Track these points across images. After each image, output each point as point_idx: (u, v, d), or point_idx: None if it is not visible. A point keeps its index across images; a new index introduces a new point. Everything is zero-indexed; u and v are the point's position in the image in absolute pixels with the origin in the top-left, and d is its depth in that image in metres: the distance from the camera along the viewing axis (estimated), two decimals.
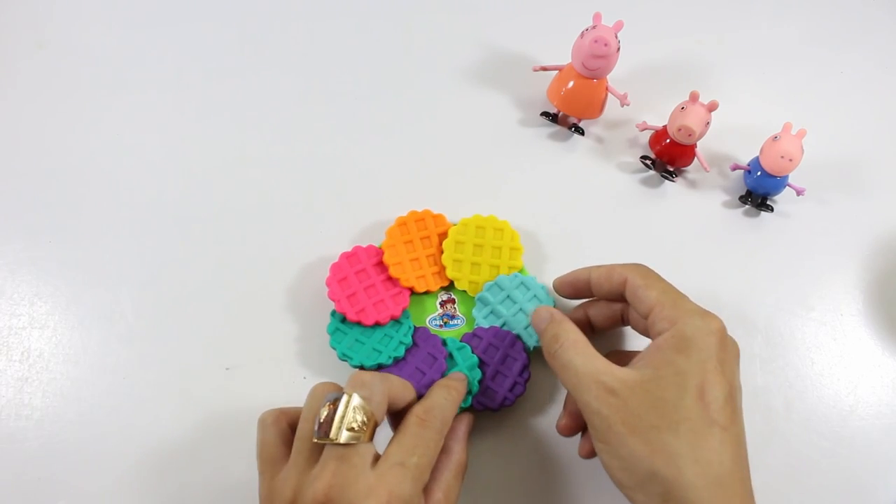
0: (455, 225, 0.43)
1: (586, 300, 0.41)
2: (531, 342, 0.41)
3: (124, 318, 0.42)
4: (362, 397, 0.31)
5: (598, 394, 0.32)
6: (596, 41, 0.42)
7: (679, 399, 0.31)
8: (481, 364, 0.40)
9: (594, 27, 0.43)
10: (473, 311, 0.42)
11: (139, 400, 0.41)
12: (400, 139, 0.48)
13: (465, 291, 0.43)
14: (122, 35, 0.51)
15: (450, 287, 0.43)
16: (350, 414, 0.30)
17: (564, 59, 0.46)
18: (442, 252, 0.43)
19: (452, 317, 0.42)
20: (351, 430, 0.30)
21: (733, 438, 0.31)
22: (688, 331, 0.32)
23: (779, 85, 0.52)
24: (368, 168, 0.47)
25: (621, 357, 0.36)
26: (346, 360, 0.40)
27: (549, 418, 0.41)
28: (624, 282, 0.36)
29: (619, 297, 0.37)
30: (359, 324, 0.40)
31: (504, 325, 0.41)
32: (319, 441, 0.31)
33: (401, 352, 0.40)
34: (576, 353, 0.34)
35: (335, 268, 0.41)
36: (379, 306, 0.41)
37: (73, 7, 0.52)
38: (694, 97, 0.44)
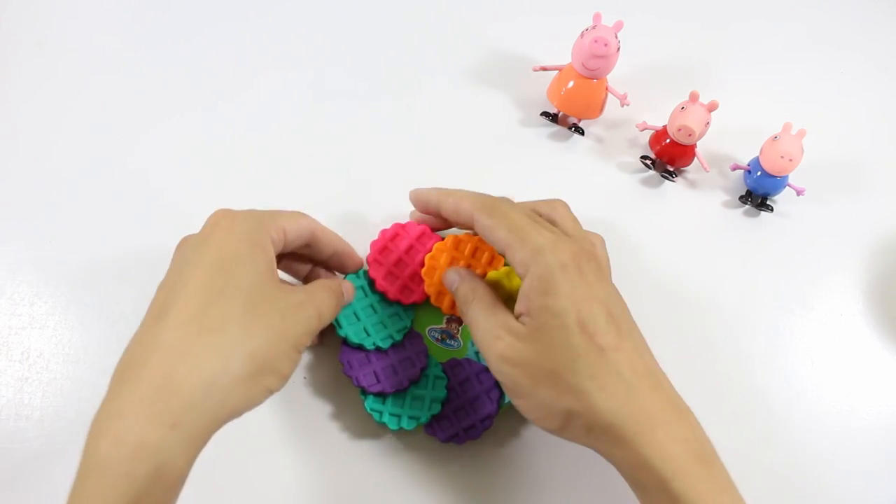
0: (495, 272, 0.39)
1: None
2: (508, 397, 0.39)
3: (124, 318, 0.42)
4: None
5: (499, 354, 0.33)
6: (596, 41, 0.42)
7: (565, 339, 0.31)
8: (452, 395, 0.40)
9: (594, 27, 0.43)
10: (469, 341, 0.41)
11: None
12: (400, 139, 0.48)
13: None
14: (122, 34, 0.51)
15: None
16: None
17: (564, 59, 0.46)
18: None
19: (452, 337, 0.42)
20: None
21: (627, 354, 0.32)
22: (544, 272, 0.32)
23: (779, 85, 0.52)
24: (367, 169, 0.47)
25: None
26: (336, 326, 0.39)
27: (507, 460, 0.40)
28: (472, 219, 0.36)
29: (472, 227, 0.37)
30: (379, 295, 0.41)
31: None
32: None
33: (386, 344, 0.39)
34: (479, 310, 0.35)
35: (386, 234, 0.41)
36: (405, 289, 0.41)
37: (73, 7, 0.52)
38: (694, 97, 0.44)
